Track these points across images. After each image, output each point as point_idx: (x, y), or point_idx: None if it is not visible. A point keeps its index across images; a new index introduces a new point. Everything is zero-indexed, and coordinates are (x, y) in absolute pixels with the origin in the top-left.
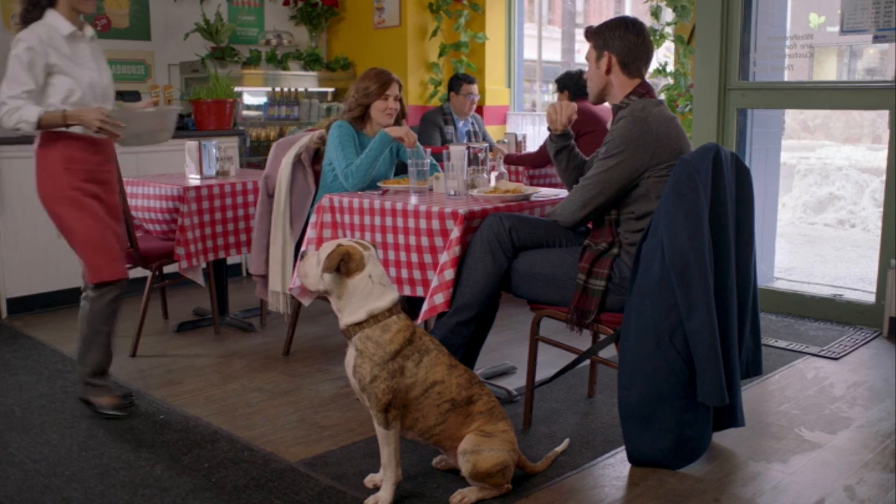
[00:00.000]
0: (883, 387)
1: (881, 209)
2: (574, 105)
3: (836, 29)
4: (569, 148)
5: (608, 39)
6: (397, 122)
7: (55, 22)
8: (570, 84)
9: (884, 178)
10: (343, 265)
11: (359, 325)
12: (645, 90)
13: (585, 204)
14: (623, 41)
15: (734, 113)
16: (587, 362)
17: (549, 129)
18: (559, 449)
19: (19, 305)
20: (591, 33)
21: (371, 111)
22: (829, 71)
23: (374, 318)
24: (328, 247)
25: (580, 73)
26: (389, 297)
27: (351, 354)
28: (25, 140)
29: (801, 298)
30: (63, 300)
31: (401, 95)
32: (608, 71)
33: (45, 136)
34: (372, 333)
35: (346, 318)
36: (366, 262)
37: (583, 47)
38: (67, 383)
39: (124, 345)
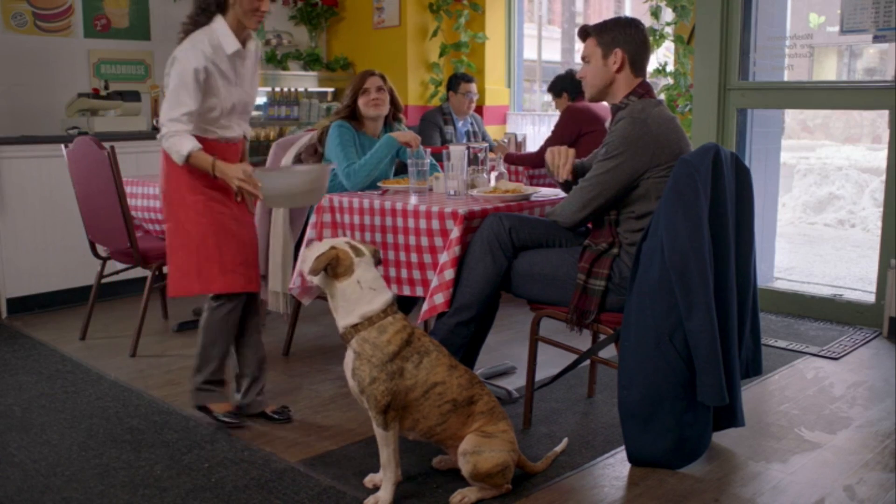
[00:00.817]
0: (883, 387)
1: (881, 209)
2: (573, 151)
3: (836, 29)
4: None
5: (618, 37)
6: (394, 118)
7: (222, 35)
8: (567, 86)
9: (883, 177)
10: (331, 269)
11: (354, 327)
12: (644, 90)
13: (585, 205)
14: (634, 39)
15: (734, 113)
16: (587, 362)
17: (549, 173)
18: (558, 449)
19: (19, 305)
20: (597, 30)
21: (360, 108)
22: (828, 71)
23: (368, 321)
24: (321, 247)
25: (572, 72)
26: (381, 299)
27: (349, 357)
28: (25, 140)
29: (800, 298)
30: (63, 300)
31: (389, 87)
32: (619, 69)
33: None
34: (369, 335)
35: (341, 320)
36: (355, 267)
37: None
38: (67, 383)
39: (124, 345)
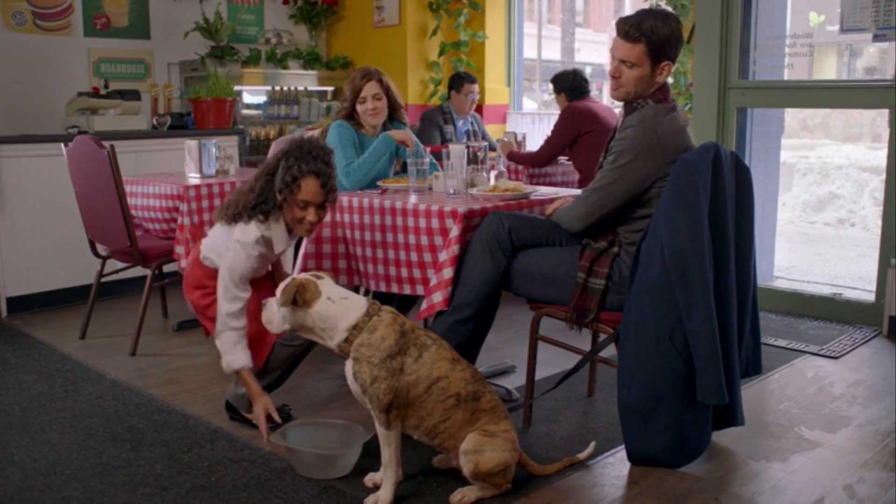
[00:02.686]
0: (882, 386)
1: (881, 208)
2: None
3: (836, 28)
4: None
5: (671, 49)
6: (392, 117)
7: (276, 235)
8: (566, 86)
9: (883, 176)
10: (299, 296)
11: (346, 341)
12: (663, 95)
13: (590, 214)
14: (679, 50)
15: (734, 112)
16: None
17: None
18: (581, 455)
19: (19, 304)
20: (647, 36)
21: (358, 113)
22: (828, 70)
23: (356, 329)
24: (283, 284)
25: (574, 73)
26: (358, 305)
27: (349, 365)
28: (26, 140)
29: (800, 297)
30: (63, 299)
31: (387, 87)
32: (664, 79)
33: (196, 257)
34: (362, 340)
35: (332, 341)
36: (321, 288)
37: (583, 46)
38: (67, 382)
39: (124, 344)
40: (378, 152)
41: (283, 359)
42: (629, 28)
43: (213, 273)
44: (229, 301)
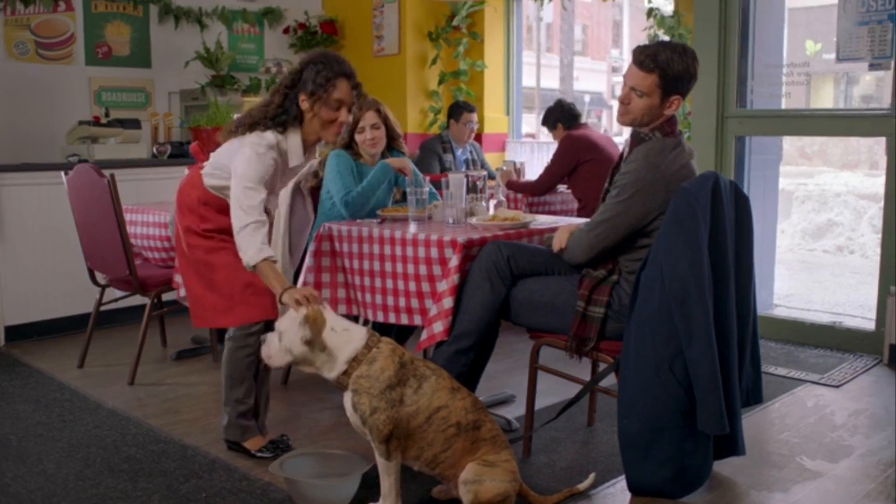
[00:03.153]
0: (884, 415)
1: (880, 235)
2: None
3: (833, 56)
4: None
5: (683, 86)
6: (391, 146)
7: (292, 148)
8: (560, 116)
9: (882, 204)
10: (316, 329)
11: (345, 373)
12: (671, 128)
13: (593, 247)
14: (691, 88)
15: (732, 140)
16: None
17: None
18: (581, 486)
19: (18, 333)
20: (662, 69)
21: (356, 143)
22: (825, 98)
23: (355, 361)
24: (295, 318)
25: (560, 102)
26: (358, 337)
27: (348, 396)
28: (26, 168)
29: (800, 326)
30: (62, 328)
31: (385, 117)
32: (672, 112)
33: (194, 176)
34: (361, 372)
35: (330, 373)
36: (325, 315)
37: (582, 74)
38: (65, 412)
39: (122, 373)
40: (377, 180)
41: (240, 366)
42: (644, 58)
43: (210, 198)
44: (248, 197)
